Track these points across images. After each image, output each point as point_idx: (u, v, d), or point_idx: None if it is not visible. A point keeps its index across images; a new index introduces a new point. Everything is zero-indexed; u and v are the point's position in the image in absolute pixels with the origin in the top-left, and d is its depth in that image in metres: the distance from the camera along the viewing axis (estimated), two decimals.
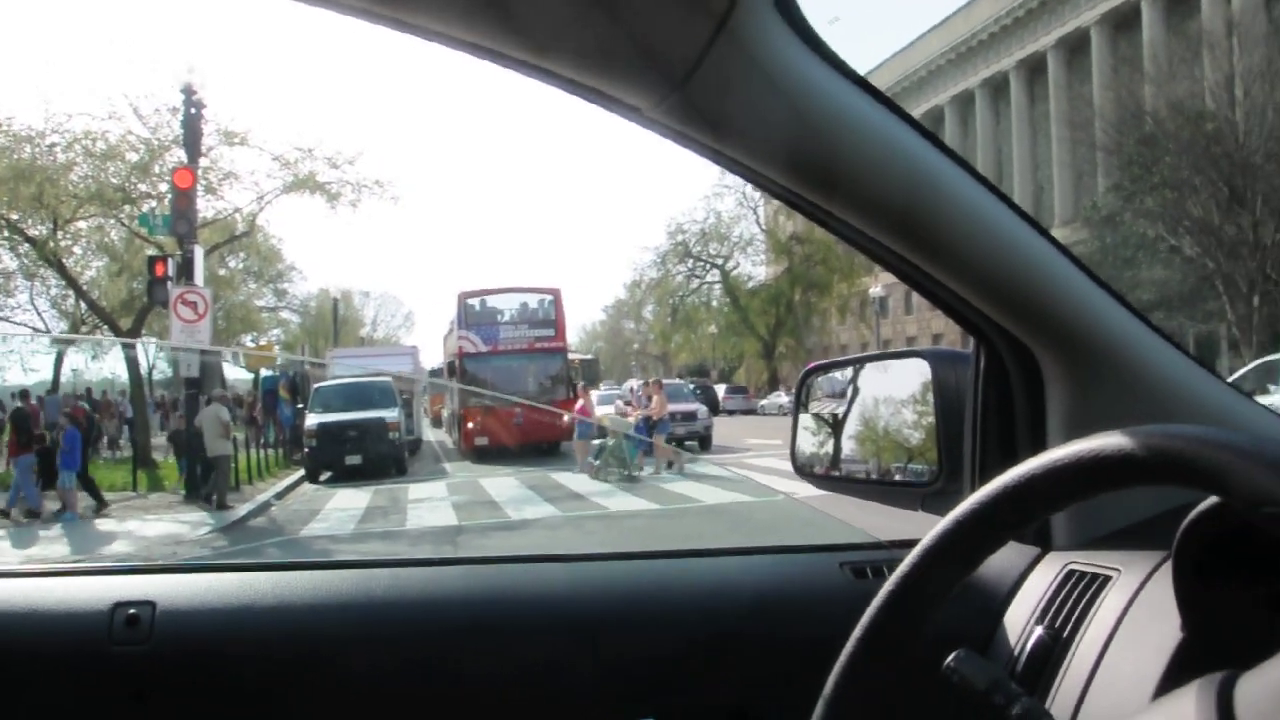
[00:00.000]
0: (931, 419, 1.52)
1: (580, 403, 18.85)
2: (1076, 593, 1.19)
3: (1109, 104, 38.29)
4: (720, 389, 47.04)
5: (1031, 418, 1.38)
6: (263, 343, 39.56)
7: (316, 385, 23.21)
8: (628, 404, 27.30)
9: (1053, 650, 1.14)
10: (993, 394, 1.44)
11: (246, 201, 24.87)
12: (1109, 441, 0.70)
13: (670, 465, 18.91)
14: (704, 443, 26.08)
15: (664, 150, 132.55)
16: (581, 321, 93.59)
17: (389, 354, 35.62)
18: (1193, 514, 0.88)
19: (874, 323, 47.07)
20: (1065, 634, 1.15)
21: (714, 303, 56.02)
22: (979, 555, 0.80)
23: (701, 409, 27.40)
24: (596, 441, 17.91)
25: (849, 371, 1.83)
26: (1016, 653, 1.19)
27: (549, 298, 27.39)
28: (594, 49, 1.00)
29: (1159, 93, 32.24)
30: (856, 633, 0.80)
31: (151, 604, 1.40)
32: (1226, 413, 1.36)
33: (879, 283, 43.58)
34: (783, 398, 44.64)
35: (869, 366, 1.79)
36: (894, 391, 1.65)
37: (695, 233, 53.12)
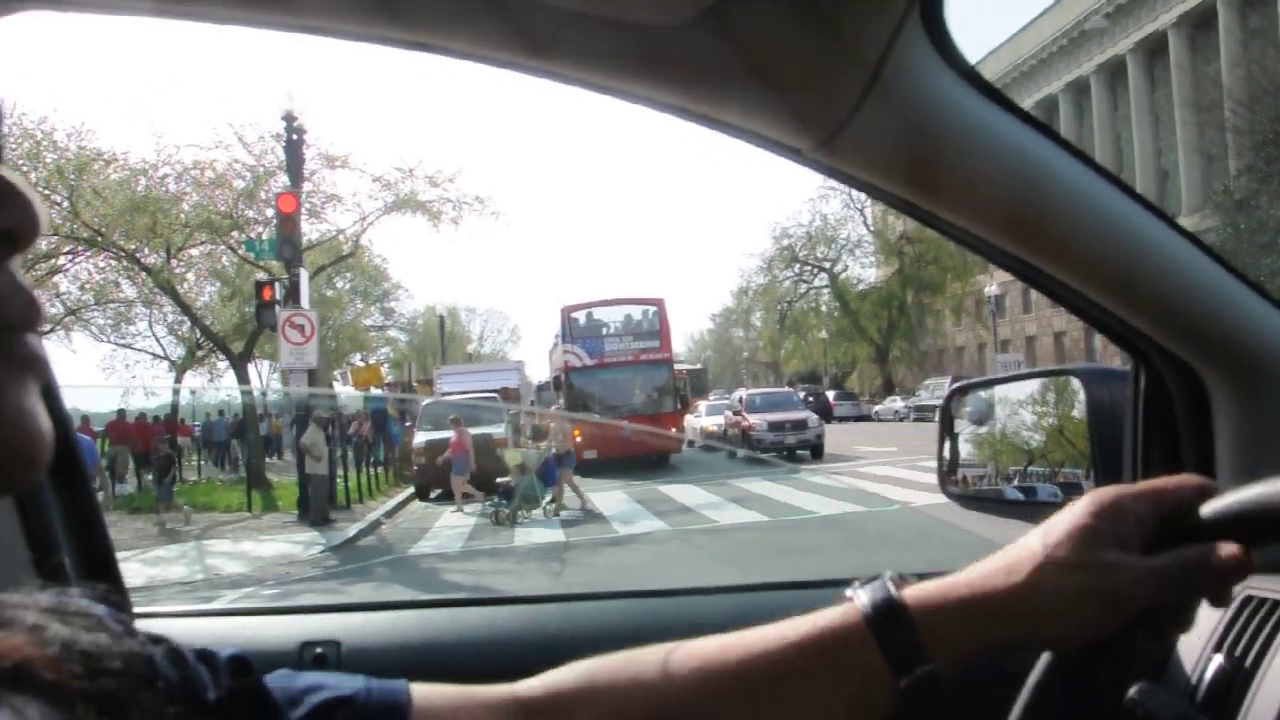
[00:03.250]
0: (1084, 439, 1.48)
1: (456, 436, 17.59)
2: (1257, 620, 1.10)
3: (1238, 82, 36.47)
4: (830, 395, 46.13)
5: (1197, 441, 1.31)
6: (371, 361, 40.13)
7: (425, 402, 23.28)
8: (736, 414, 26.90)
9: (1235, 680, 1.06)
10: (1154, 417, 1.37)
11: (350, 223, 25.25)
12: None
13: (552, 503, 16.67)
14: (816, 451, 25.47)
15: (768, 154, 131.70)
16: (690, 331, 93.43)
17: (495, 369, 35.72)
18: None
19: (990, 322, 45.59)
20: (1247, 664, 1.06)
21: (823, 307, 55.03)
22: None
23: (812, 417, 26.84)
24: (502, 480, 16.35)
25: (996, 390, 1.80)
26: (1194, 683, 1.11)
27: (653, 309, 27.08)
28: (755, 98, 1.03)
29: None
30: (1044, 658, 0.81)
31: (337, 643, 1.48)
32: None
33: (994, 281, 42.23)
34: (898, 403, 43.52)
35: (1017, 384, 1.74)
36: (1045, 410, 1.63)
37: (801, 236, 52.27)
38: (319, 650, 1.48)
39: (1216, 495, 0.76)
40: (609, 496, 18.66)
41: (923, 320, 50.61)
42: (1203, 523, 0.75)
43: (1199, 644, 1.15)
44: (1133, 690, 0.80)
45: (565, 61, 1.01)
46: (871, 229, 51.00)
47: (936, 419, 1.86)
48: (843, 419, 43.08)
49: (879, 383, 52.81)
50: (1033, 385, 1.71)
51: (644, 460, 24.29)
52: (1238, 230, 32.45)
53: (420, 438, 21.07)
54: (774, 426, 24.97)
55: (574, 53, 1.00)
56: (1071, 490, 1.50)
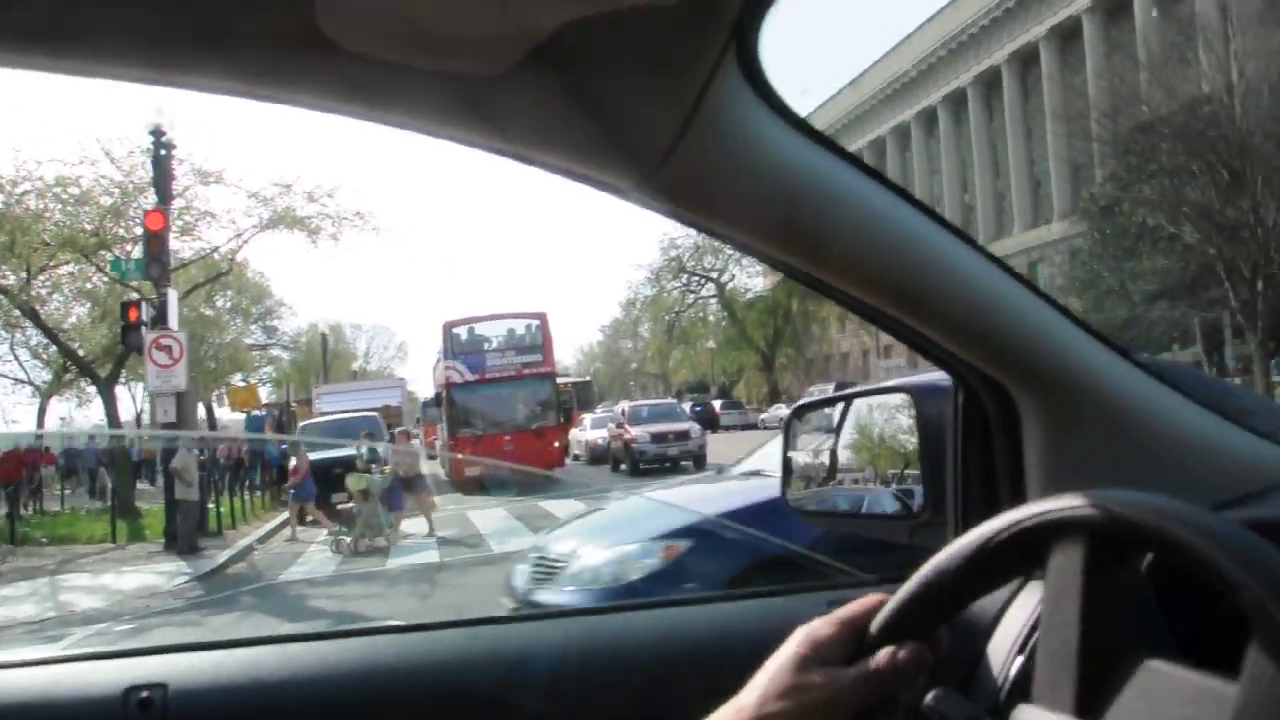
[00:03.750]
0: (916, 454, 1.56)
1: (293, 463, 17.15)
2: None
3: (1103, 93, 37.95)
4: (717, 404, 46.40)
5: (1010, 455, 1.39)
6: (253, 381, 39.05)
7: (303, 423, 22.74)
8: (619, 426, 26.86)
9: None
10: (973, 433, 1.45)
11: (225, 240, 24.53)
12: (1068, 503, 0.81)
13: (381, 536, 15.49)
14: (698, 461, 25.52)
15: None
16: (579, 343, 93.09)
17: (377, 387, 35.06)
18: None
19: (873, 329, 46.50)
20: None
21: (710, 317, 55.49)
22: (965, 601, 0.91)
23: (695, 427, 26.96)
24: (344, 506, 15.81)
25: (838, 407, 1.87)
26: (999, 684, 1.14)
27: (535, 322, 26.89)
28: (574, 139, 1.06)
29: (1153, 79, 31.73)
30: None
31: (164, 686, 1.43)
32: (1212, 448, 1.36)
33: None
34: (784, 410, 43.82)
35: (856, 402, 1.82)
36: (881, 425, 1.71)
37: (689, 247, 52.49)
38: (145, 694, 1.41)
39: (889, 605, 0.89)
40: (488, 514, 18.40)
41: (808, 328, 51.37)
42: (873, 636, 0.88)
43: (1006, 647, 1.19)
44: (929, 696, 0.82)
45: (388, 109, 1.02)
46: None
47: (781, 436, 1.92)
48: (729, 428, 43.20)
49: (765, 391, 53.36)
50: (869, 401, 1.79)
51: (529, 475, 24.12)
52: (1103, 235, 33.74)
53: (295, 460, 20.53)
54: (656, 438, 25.00)
55: (397, 101, 1.01)
56: (907, 500, 1.59)
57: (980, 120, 53.19)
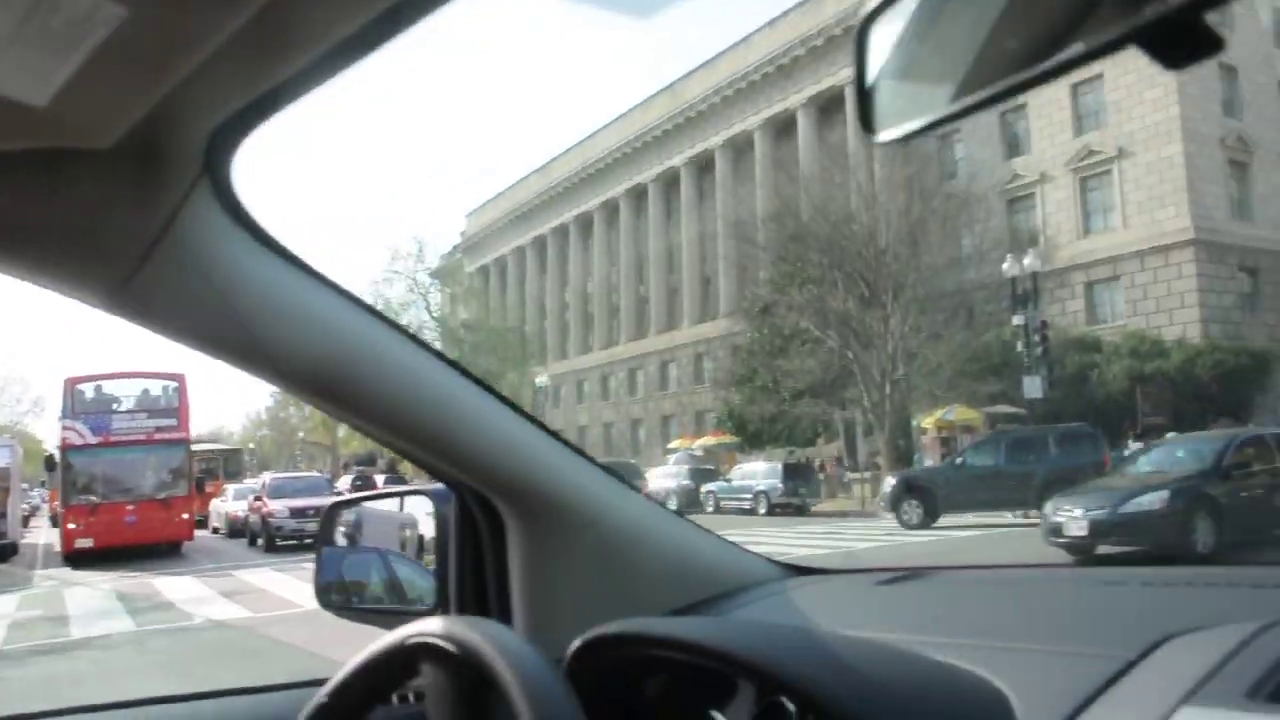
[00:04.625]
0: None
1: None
2: None
3: (766, 203, 40.58)
4: (380, 479, 44.88)
5: (497, 564, 1.46)
6: None
7: None
8: (258, 499, 25.12)
9: None
10: (467, 539, 1.51)
11: None
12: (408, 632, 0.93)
13: None
14: None
15: None
16: (248, 409, 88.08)
17: None
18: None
19: (540, 412, 46.75)
20: None
21: None
22: (371, 702, 1.00)
23: None
24: None
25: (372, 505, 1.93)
26: None
27: (173, 384, 24.59)
28: (46, 246, 1.03)
29: (808, 195, 34.37)
30: None
31: None
32: (684, 556, 1.50)
33: (545, 372, 43.39)
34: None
35: (387, 501, 1.88)
36: (407, 523, 1.74)
37: None
38: None
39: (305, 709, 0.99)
40: (85, 593, 16.61)
41: None
42: None
43: None
44: None
45: None
46: (434, 315, 50.96)
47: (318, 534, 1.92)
48: None
49: None
50: (398, 501, 1.81)
51: (151, 549, 22.00)
52: (760, 335, 35.82)
53: None
54: (295, 513, 23.45)
55: None
56: (425, 598, 1.61)
57: (659, 216, 55.50)
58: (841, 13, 42.74)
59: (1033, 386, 24.28)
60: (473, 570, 1.51)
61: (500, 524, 1.45)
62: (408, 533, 1.74)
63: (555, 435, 1.44)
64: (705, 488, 30.11)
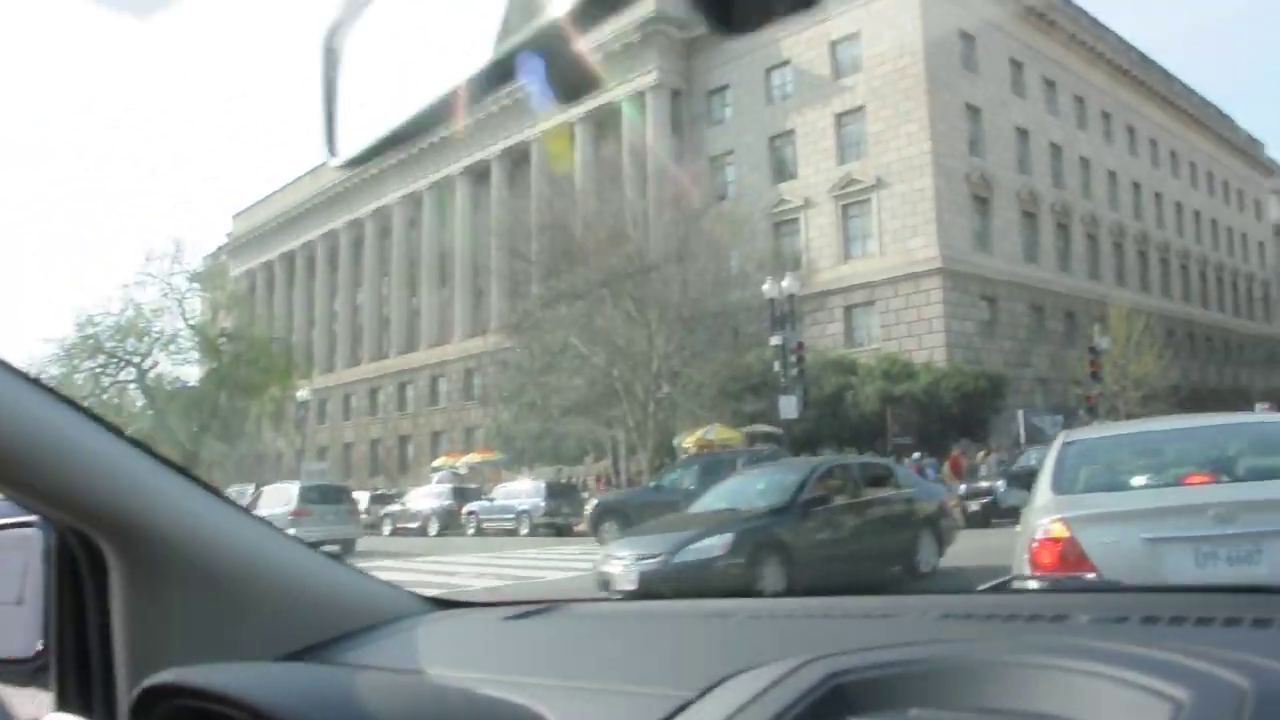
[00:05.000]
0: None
1: None
2: None
3: (537, 216, 40.09)
4: None
5: (99, 606, 1.35)
6: None
7: None
8: None
9: None
10: (65, 578, 1.40)
11: None
12: None
13: None
14: None
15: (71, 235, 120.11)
16: None
17: None
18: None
19: (301, 428, 44.72)
20: None
21: (131, 406, 50.18)
22: None
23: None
24: None
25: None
26: None
27: None
28: None
29: (581, 210, 34.21)
30: None
31: None
32: (313, 589, 1.43)
33: (308, 386, 41.51)
34: None
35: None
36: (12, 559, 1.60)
37: (110, 326, 47.27)
38: None
39: None
40: None
41: (239, 423, 48.29)
42: None
43: None
44: None
45: None
46: (190, 323, 47.79)
47: None
48: None
49: None
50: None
51: None
52: (530, 351, 35.22)
53: None
54: None
55: None
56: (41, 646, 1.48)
57: (433, 225, 54.19)
58: (619, 29, 43.04)
59: (788, 406, 24.74)
60: (73, 614, 1.40)
61: (102, 560, 1.34)
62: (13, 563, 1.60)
63: (164, 460, 1.34)
64: (467, 508, 29.19)
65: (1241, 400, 49.76)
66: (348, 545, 22.60)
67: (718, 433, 28.45)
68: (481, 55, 0.67)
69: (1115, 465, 6.39)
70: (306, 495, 23.78)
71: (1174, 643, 0.88)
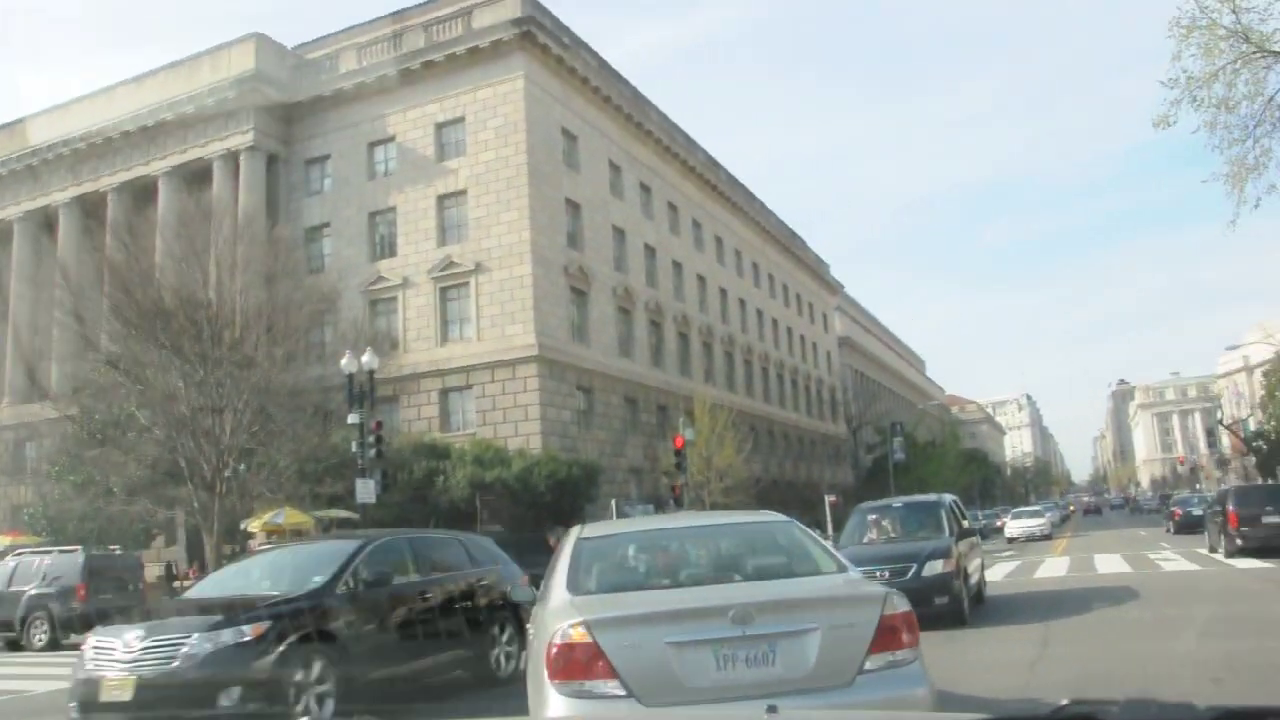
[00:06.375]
0: None
1: None
2: None
3: (114, 273, 36.10)
4: None
5: None
6: None
7: None
8: None
9: None
10: None
11: None
12: None
13: None
14: None
15: None
16: None
17: None
18: None
19: None
20: None
21: None
22: None
23: None
24: None
25: None
26: None
27: None
28: None
29: (159, 271, 31.03)
30: None
31: None
32: None
33: None
34: None
35: None
36: None
37: None
38: None
39: None
40: None
41: None
42: None
43: None
44: None
45: None
46: None
47: None
48: None
49: None
50: None
51: None
52: (91, 420, 31.27)
53: None
54: None
55: None
56: None
57: None
58: (214, 82, 40.62)
59: (365, 490, 23.30)
60: None
61: None
62: None
63: None
64: None
65: (813, 491, 54.60)
66: None
67: (288, 517, 26.42)
68: None
69: (631, 564, 6.14)
70: None
71: None
